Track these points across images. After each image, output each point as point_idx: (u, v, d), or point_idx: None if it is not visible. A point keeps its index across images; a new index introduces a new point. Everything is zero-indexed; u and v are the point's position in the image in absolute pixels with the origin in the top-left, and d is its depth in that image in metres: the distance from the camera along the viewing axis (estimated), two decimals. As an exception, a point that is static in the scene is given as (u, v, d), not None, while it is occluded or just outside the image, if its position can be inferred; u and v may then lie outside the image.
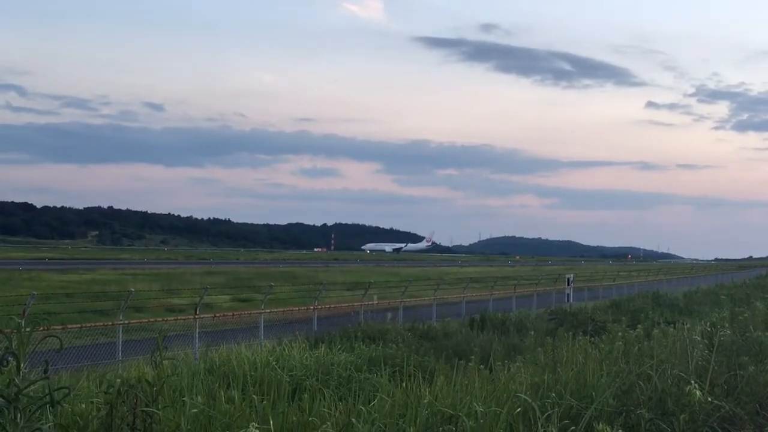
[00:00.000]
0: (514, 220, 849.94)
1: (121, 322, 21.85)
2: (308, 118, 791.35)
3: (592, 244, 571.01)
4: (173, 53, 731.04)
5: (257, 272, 74.12)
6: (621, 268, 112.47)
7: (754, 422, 8.83)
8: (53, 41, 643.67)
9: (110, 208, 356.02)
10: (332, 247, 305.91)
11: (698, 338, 10.30)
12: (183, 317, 24.67)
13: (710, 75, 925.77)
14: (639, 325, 13.58)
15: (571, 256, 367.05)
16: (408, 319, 30.17)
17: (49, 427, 6.03)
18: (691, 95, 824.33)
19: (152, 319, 23.48)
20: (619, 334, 11.70)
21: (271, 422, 7.77)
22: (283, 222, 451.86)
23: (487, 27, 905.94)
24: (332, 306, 31.69)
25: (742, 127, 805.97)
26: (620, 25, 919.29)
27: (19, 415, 5.47)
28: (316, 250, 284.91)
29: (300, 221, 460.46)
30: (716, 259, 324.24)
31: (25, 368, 5.61)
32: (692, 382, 8.37)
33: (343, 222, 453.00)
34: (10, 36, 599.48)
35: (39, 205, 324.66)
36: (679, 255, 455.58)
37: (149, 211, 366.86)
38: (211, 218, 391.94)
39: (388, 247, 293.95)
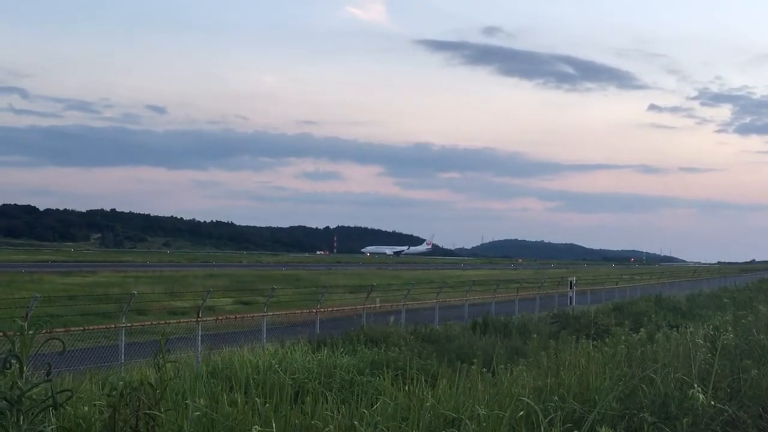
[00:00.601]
0: (517, 223, 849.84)
1: (124, 324, 21.84)
2: (311, 120, 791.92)
3: (594, 247, 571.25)
4: (176, 56, 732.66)
5: (260, 275, 74.13)
6: (623, 271, 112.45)
7: (757, 426, 8.82)
8: (56, 44, 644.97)
9: (113, 210, 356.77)
10: (335, 250, 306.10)
11: (701, 342, 10.29)
12: (185, 320, 24.65)
13: (713, 78, 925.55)
14: (642, 329, 13.57)
15: (574, 259, 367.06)
16: (410, 322, 30.13)
17: (52, 429, 6.04)
18: (694, 98, 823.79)
19: (155, 322, 23.47)
20: (622, 337, 11.70)
21: (274, 425, 7.76)
22: (285, 225, 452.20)
23: (489, 30, 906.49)
24: (335, 309, 31.66)
25: (744, 130, 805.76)
26: (623, 28, 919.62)
27: (21, 417, 5.47)
28: (318, 253, 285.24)
29: (302, 224, 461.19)
30: (719, 262, 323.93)
31: (28, 371, 5.62)
32: (695, 385, 8.36)
33: (346, 225, 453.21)
34: (13, 38, 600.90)
35: (42, 208, 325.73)
36: (681, 258, 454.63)
37: (152, 214, 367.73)
38: (214, 221, 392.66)
39: (389, 250, 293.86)
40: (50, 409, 5.78)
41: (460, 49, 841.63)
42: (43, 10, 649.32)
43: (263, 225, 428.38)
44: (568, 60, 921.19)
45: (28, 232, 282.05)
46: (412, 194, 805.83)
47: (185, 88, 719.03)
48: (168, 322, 23.72)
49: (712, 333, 10.30)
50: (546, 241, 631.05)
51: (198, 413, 7.62)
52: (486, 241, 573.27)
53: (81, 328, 21.31)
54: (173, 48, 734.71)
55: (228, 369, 15.59)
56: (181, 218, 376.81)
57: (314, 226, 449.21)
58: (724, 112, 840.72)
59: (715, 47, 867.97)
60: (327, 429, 7.47)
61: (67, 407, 6.22)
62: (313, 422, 8.13)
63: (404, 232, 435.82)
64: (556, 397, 8.63)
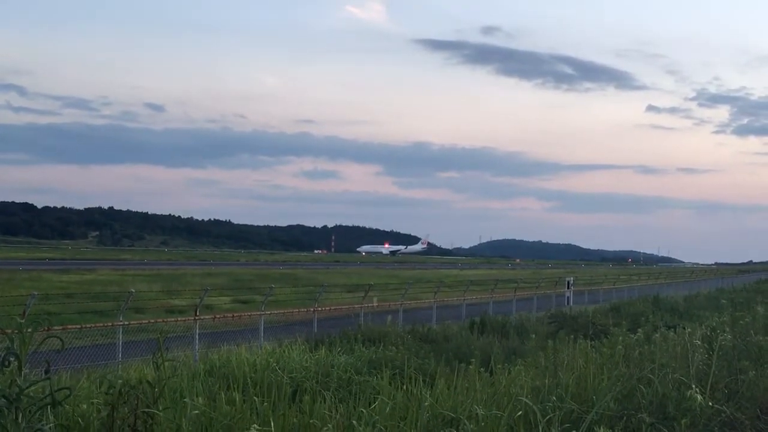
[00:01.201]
0: (515, 222, 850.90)
1: (121, 323, 21.83)
2: (309, 119, 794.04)
3: (592, 248, 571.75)
4: (174, 54, 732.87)
5: (257, 274, 74.11)
6: (621, 271, 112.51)
7: (755, 427, 8.82)
8: (54, 42, 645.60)
9: (111, 208, 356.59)
10: (333, 249, 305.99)
11: (699, 343, 10.29)
12: (183, 318, 24.65)
13: (711, 79, 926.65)
14: (639, 329, 13.57)
15: (572, 259, 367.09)
16: (408, 321, 30.14)
17: (51, 427, 6.03)
18: (692, 99, 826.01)
19: (152, 320, 23.46)
20: (620, 338, 11.70)
21: (272, 424, 7.76)
22: (283, 224, 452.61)
23: (488, 30, 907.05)
24: (332, 308, 31.66)
25: (742, 131, 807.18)
26: (622, 29, 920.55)
27: (20, 415, 5.47)
28: (316, 251, 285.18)
29: (300, 223, 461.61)
30: (716, 263, 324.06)
31: (26, 368, 5.61)
32: (693, 386, 8.36)
33: (344, 224, 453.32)
34: (12, 36, 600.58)
35: (40, 206, 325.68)
36: (679, 259, 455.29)
37: (150, 212, 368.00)
38: (212, 219, 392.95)
39: (385, 249, 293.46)
40: (49, 407, 5.78)
41: (459, 49, 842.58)
42: (42, 8, 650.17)
43: (261, 224, 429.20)
44: (567, 60, 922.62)
45: (26, 229, 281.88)
46: (411, 194, 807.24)
47: (184, 86, 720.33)
48: (166, 320, 23.71)
49: (709, 334, 10.31)
50: (544, 241, 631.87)
51: (196, 412, 7.61)
52: (484, 240, 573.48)
53: (78, 326, 21.30)
54: (172, 46, 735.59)
55: (225, 368, 15.58)
56: (179, 216, 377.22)
57: (312, 225, 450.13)
58: (722, 113, 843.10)
59: (713, 48, 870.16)
60: (325, 428, 7.47)
61: (65, 405, 6.21)
62: (311, 421, 8.13)
63: (402, 232, 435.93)
64: (554, 398, 8.63)
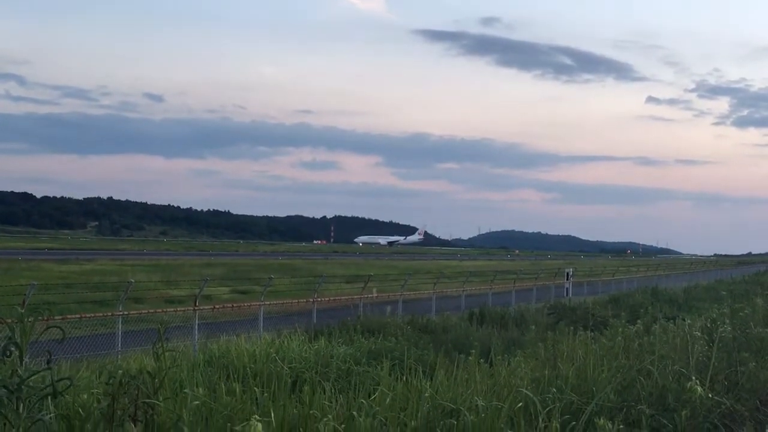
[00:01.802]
0: (514, 214, 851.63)
1: (121, 312, 21.84)
2: (308, 110, 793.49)
3: (591, 239, 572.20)
4: (173, 44, 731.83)
5: (257, 264, 74.11)
6: (620, 262, 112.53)
7: (755, 418, 8.83)
8: (53, 31, 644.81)
9: (110, 198, 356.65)
10: (332, 240, 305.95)
11: (699, 334, 10.29)
12: (182, 309, 24.66)
13: (711, 70, 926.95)
14: (639, 321, 13.57)
15: (571, 250, 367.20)
16: (407, 312, 30.17)
17: (51, 417, 6.03)
18: (692, 91, 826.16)
19: (151, 310, 23.48)
20: (620, 329, 11.70)
21: (272, 414, 7.76)
22: (282, 214, 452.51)
23: (488, 20, 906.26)
24: (331, 299, 31.68)
25: (742, 123, 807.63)
26: (621, 20, 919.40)
27: (21, 405, 5.46)
28: (315, 242, 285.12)
29: (300, 213, 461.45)
30: (715, 255, 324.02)
31: (26, 358, 5.61)
32: (693, 378, 8.36)
33: (343, 215, 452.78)
34: (10, 25, 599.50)
35: (38, 195, 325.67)
36: (678, 250, 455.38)
37: (149, 202, 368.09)
38: (211, 210, 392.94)
39: (383, 239, 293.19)
40: (49, 397, 5.77)
41: (459, 40, 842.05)
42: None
43: (260, 214, 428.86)
44: (567, 51, 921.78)
45: (25, 219, 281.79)
46: (410, 184, 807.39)
47: (183, 76, 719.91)
48: (165, 310, 23.72)
49: (709, 325, 10.30)
50: (543, 232, 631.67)
51: (197, 402, 7.61)
52: (483, 232, 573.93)
53: (78, 316, 21.30)
54: (171, 36, 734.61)
55: (225, 358, 15.59)
56: (179, 207, 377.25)
57: (311, 216, 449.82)
58: (722, 104, 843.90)
59: (713, 40, 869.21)
60: (325, 419, 7.46)
61: (66, 395, 6.21)
62: (311, 412, 8.13)
63: (402, 222, 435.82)
64: (554, 389, 8.64)
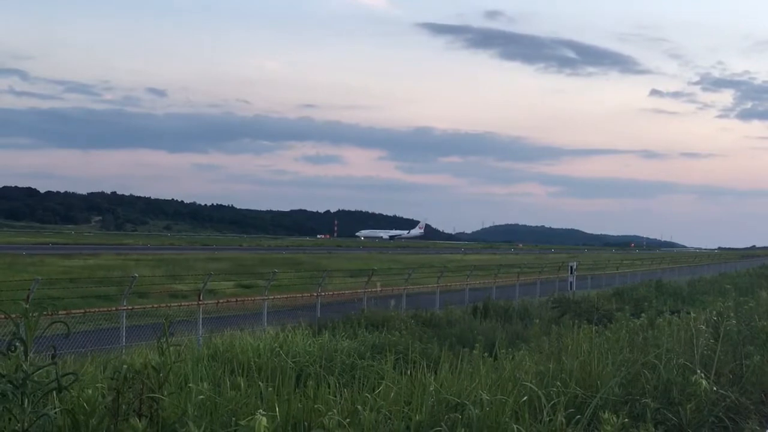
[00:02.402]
0: (518, 207, 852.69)
1: (125, 307, 21.86)
2: (312, 104, 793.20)
3: (595, 233, 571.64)
4: (176, 39, 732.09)
5: (260, 258, 74.13)
6: (624, 256, 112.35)
7: (760, 412, 8.83)
8: (56, 26, 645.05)
9: (114, 193, 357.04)
10: (335, 234, 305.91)
11: (703, 327, 10.28)
12: (186, 303, 24.66)
13: (715, 63, 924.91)
14: (643, 314, 13.57)
15: (575, 244, 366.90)
16: (411, 306, 30.15)
17: (56, 412, 6.03)
18: (696, 83, 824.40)
19: (156, 305, 23.49)
20: (624, 323, 11.70)
21: (277, 409, 7.76)
22: (286, 208, 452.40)
23: (491, 14, 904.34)
24: (335, 293, 31.67)
25: (746, 115, 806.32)
26: (625, 13, 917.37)
27: (26, 400, 5.47)
28: (319, 236, 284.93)
29: (303, 208, 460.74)
30: (719, 248, 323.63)
31: (31, 353, 5.61)
32: (698, 371, 8.36)
33: (347, 209, 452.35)
34: (13, 20, 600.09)
35: (43, 190, 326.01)
36: (682, 244, 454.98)
37: (153, 197, 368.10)
38: (215, 204, 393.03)
39: (384, 234, 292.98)
40: (54, 391, 5.77)
41: (462, 33, 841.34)
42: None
43: (264, 208, 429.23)
44: (570, 44, 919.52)
45: (29, 214, 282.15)
46: (413, 178, 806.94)
47: (186, 71, 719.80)
48: (169, 305, 23.74)
49: (714, 319, 10.30)
50: (547, 226, 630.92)
51: (201, 397, 7.62)
52: (487, 225, 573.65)
53: (82, 311, 21.31)
54: (174, 31, 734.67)
55: (229, 352, 15.59)
56: (182, 201, 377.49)
57: (315, 210, 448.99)
58: (726, 97, 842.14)
59: (717, 32, 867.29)
60: (330, 413, 7.46)
61: (71, 390, 6.21)
62: (315, 406, 8.13)
63: (405, 216, 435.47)
64: (559, 383, 8.64)
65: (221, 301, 27.00)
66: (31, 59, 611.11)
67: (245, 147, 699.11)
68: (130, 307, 22.25)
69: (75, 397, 6.83)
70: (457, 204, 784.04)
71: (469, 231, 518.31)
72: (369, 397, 8.26)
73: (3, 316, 5.94)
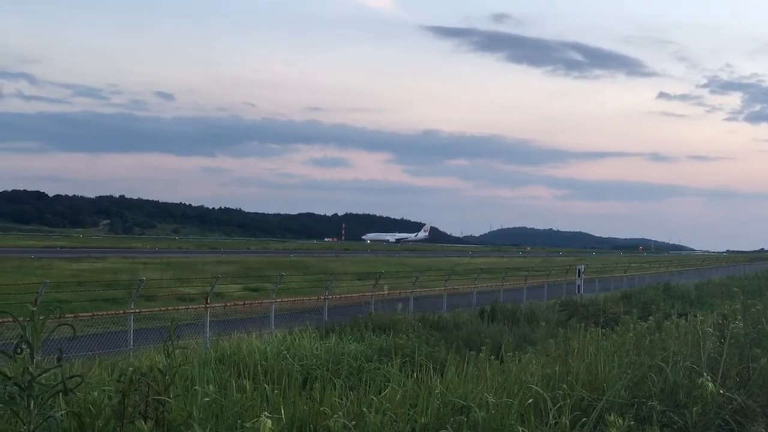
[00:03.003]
0: (525, 210, 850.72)
1: (133, 310, 21.90)
2: (318, 107, 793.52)
3: (603, 236, 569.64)
4: (183, 42, 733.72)
5: (268, 262, 74.18)
6: (632, 259, 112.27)
7: (766, 414, 8.80)
8: (63, 29, 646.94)
9: (122, 197, 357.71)
10: (343, 237, 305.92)
11: (710, 330, 10.26)
12: (194, 306, 24.72)
13: (723, 66, 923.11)
14: (650, 317, 13.54)
15: (583, 247, 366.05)
16: (418, 309, 30.13)
17: (62, 414, 6.05)
18: (704, 86, 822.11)
19: (163, 308, 23.53)
20: (631, 326, 11.68)
21: (283, 412, 7.78)
22: (293, 212, 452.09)
23: (498, 17, 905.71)
24: (343, 296, 31.69)
25: (754, 118, 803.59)
26: (632, 15, 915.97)
27: (32, 402, 5.49)
28: (326, 240, 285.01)
29: (311, 211, 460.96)
30: (728, 251, 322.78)
31: (38, 356, 5.63)
32: (704, 374, 8.34)
33: (354, 212, 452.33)
34: (22, 24, 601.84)
35: (51, 194, 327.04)
36: (690, 246, 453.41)
37: (160, 200, 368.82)
38: (222, 207, 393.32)
39: (391, 237, 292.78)
40: (60, 394, 5.80)
41: (469, 36, 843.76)
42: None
43: (271, 212, 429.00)
44: (577, 47, 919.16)
45: (38, 218, 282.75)
46: (421, 181, 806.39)
47: (193, 74, 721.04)
48: (177, 308, 23.78)
49: (721, 321, 10.27)
50: (555, 229, 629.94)
51: (207, 399, 7.64)
52: (494, 228, 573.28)
53: (90, 314, 21.37)
54: (181, 34, 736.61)
55: (236, 355, 15.61)
56: (190, 205, 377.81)
57: (322, 213, 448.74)
58: (734, 100, 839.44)
59: (725, 35, 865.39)
60: (335, 415, 7.48)
61: (77, 393, 6.23)
62: (321, 409, 8.15)
63: (413, 219, 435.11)
64: (565, 385, 8.63)
65: (229, 304, 27.03)
66: (38, 63, 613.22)
67: (252, 150, 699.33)
68: (137, 311, 22.30)
69: (81, 400, 6.86)
70: (465, 207, 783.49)
71: (477, 234, 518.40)
72: (375, 399, 8.27)
73: (11, 319, 5.96)
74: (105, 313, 22.37)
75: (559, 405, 7.96)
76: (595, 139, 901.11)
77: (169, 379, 7.15)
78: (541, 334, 18.36)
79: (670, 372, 8.88)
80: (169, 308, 23.39)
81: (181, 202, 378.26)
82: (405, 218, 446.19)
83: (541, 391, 8.20)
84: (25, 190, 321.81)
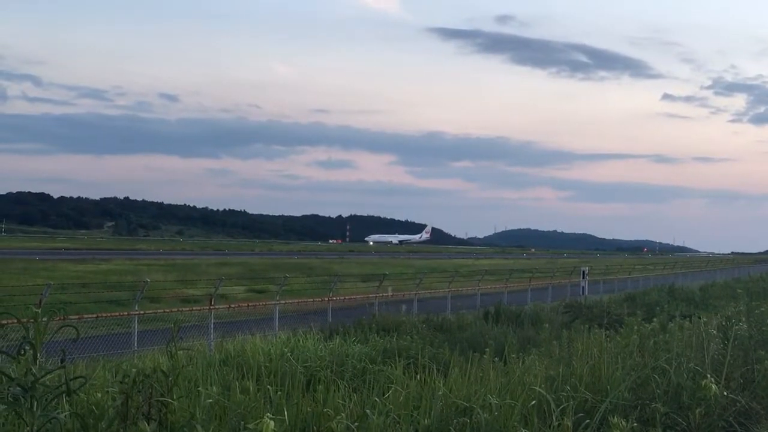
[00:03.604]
0: (530, 212, 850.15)
1: (137, 312, 21.92)
2: (323, 109, 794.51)
3: (607, 237, 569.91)
4: (188, 44, 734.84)
5: (272, 263, 74.22)
6: (636, 261, 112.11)
7: (770, 416, 8.78)
8: (68, 31, 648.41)
9: (126, 198, 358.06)
10: (347, 239, 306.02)
11: (714, 332, 10.25)
12: (198, 308, 24.72)
13: (727, 67, 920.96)
14: (654, 319, 13.53)
15: (587, 248, 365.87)
16: (422, 311, 30.13)
17: (65, 416, 6.06)
18: (708, 88, 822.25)
19: (167, 310, 23.55)
20: (635, 327, 11.66)
21: (286, 413, 7.78)
22: (298, 213, 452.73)
23: (502, 18, 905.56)
24: (347, 297, 31.69)
25: (759, 119, 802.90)
26: (637, 17, 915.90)
27: (35, 404, 5.49)
28: (331, 241, 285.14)
29: (315, 213, 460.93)
30: (732, 253, 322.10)
31: (42, 357, 5.64)
32: (708, 376, 8.33)
33: (359, 214, 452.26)
34: (27, 26, 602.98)
35: (55, 196, 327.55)
36: (694, 248, 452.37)
37: (165, 202, 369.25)
38: (227, 209, 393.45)
39: (394, 238, 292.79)
40: (63, 395, 5.80)
41: (473, 38, 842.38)
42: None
43: (276, 213, 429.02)
44: (582, 48, 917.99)
45: (42, 219, 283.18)
46: (425, 183, 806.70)
47: (198, 76, 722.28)
48: (181, 309, 23.79)
49: (725, 323, 10.26)
50: (559, 230, 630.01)
51: (210, 400, 7.64)
52: (499, 230, 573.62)
53: (94, 316, 21.41)
54: (185, 36, 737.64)
55: (240, 357, 15.61)
56: (194, 206, 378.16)
57: (327, 215, 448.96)
58: (739, 101, 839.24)
59: (729, 36, 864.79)
60: (339, 417, 7.48)
61: (80, 394, 6.24)
62: (324, 410, 8.15)
63: (417, 221, 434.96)
64: (568, 387, 8.62)
65: (233, 305, 27.07)
66: (43, 65, 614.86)
67: (257, 152, 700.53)
68: (142, 312, 22.32)
69: (84, 401, 6.87)
70: (469, 209, 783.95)
71: (481, 236, 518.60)
72: (378, 401, 8.27)
73: (14, 321, 5.97)
74: (109, 314, 22.39)
75: (562, 407, 7.95)
76: (599, 140, 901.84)
77: (172, 381, 7.15)
78: (544, 336, 18.34)
79: (674, 374, 8.87)
80: (173, 310, 23.40)
81: (185, 204, 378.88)
82: (409, 220, 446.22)
83: (545, 393, 8.19)
84: (29, 192, 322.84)
